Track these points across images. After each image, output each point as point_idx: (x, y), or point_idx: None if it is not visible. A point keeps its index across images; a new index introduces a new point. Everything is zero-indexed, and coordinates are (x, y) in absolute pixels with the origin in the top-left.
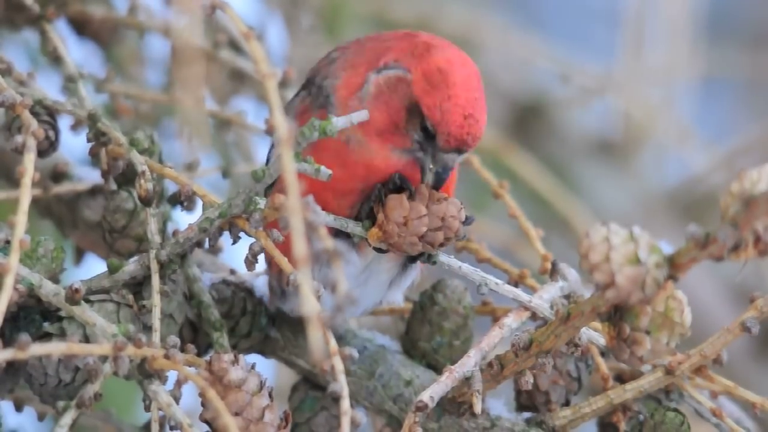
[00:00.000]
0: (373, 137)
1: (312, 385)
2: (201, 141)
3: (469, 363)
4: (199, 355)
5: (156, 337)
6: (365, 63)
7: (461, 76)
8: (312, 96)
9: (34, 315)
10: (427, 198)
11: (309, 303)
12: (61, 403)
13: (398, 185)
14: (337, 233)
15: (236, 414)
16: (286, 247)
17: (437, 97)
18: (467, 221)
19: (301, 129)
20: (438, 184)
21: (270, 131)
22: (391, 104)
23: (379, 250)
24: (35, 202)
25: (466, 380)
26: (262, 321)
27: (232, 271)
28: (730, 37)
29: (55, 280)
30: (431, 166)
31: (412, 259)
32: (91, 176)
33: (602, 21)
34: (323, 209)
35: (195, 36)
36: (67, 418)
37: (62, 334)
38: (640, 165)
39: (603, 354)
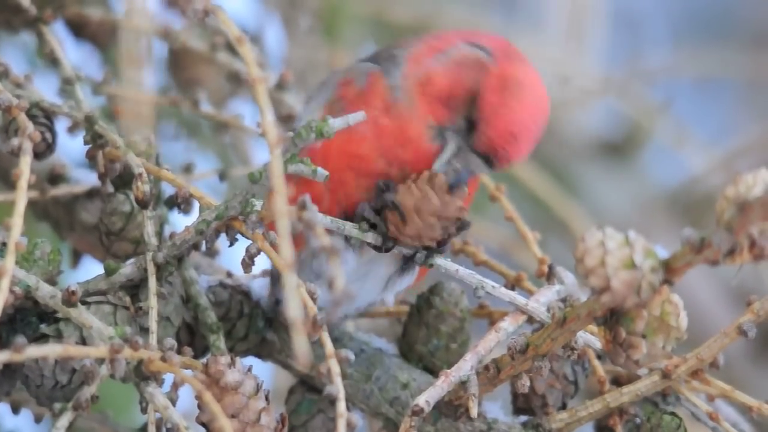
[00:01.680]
0: (424, 100)
1: (309, 388)
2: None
3: (466, 366)
4: (196, 357)
5: (153, 339)
6: (453, 36)
7: (532, 99)
8: (384, 62)
9: (30, 317)
10: (428, 182)
11: (293, 307)
12: (57, 405)
13: (386, 190)
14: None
15: (233, 416)
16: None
17: (499, 98)
18: (463, 226)
19: (297, 130)
20: (455, 183)
21: (263, 135)
22: (461, 77)
23: (377, 249)
24: (32, 205)
25: (463, 383)
26: (259, 323)
27: (229, 274)
28: (729, 38)
29: (52, 282)
30: (454, 163)
31: (408, 260)
32: (88, 179)
33: (602, 21)
34: (340, 190)
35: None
36: (64, 421)
37: (59, 336)
38: (639, 166)
39: (599, 357)
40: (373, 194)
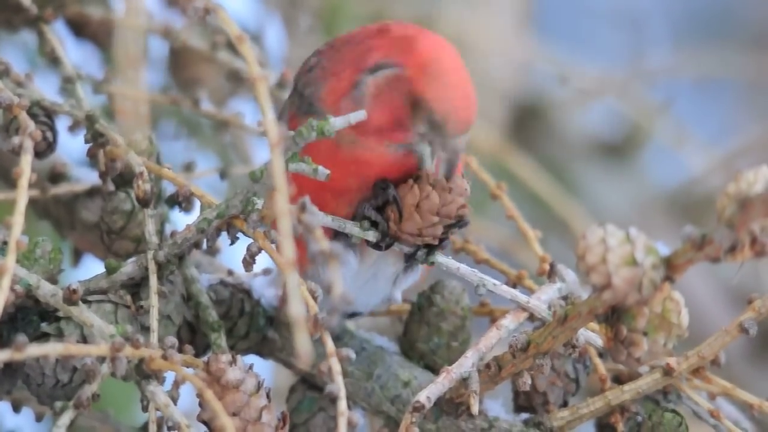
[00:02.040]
0: (368, 136)
1: (310, 386)
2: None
3: (467, 364)
4: (197, 355)
5: (154, 337)
6: (349, 67)
7: (450, 59)
8: (296, 104)
9: (31, 316)
10: (428, 180)
11: (295, 306)
12: (58, 404)
13: (385, 190)
14: (336, 234)
15: (234, 414)
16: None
17: (440, 88)
18: (462, 223)
19: (299, 129)
20: (451, 170)
21: (264, 133)
22: (393, 102)
23: (377, 248)
24: (33, 204)
25: (464, 381)
26: (260, 322)
27: (230, 272)
28: (729, 38)
29: (53, 281)
30: (441, 154)
31: (409, 258)
32: (89, 177)
33: (602, 21)
34: (322, 209)
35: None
36: (65, 419)
37: (60, 335)
38: (639, 166)
39: (601, 355)
40: (371, 194)
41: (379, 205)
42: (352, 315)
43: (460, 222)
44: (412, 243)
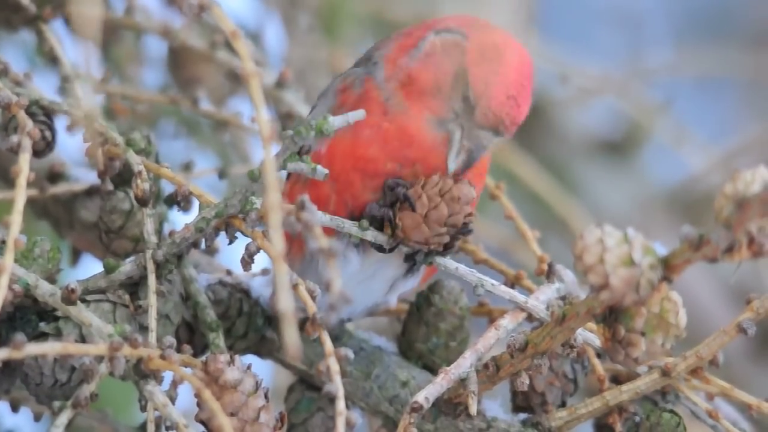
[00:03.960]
0: (414, 99)
1: (308, 386)
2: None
3: (465, 364)
4: (196, 355)
5: (152, 337)
6: (421, 29)
7: (515, 59)
8: (362, 67)
9: (30, 315)
10: (438, 185)
11: (284, 300)
12: (57, 404)
13: (394, 189)
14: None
15: (232, 415)
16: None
17: (487, 69)
18: (467, 231)
19: (297, 129)
20: (469, 162)
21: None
22: (441, 66)
23: (380, 249)
24: (32, 203)
25: (462, 381)
26: (259, 322)
27: (229, 272)
28: (729, 37)
29: (52, 280)
30: (465, 143)
31: (410, 258)
32: (88, 177)
33: (602, 21)
34: (347, 191)
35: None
36: (63, 419)
37: (58, 334)
38: (639, 165)
39: (599, 355)
40: (381, 194)
41: (388, 205)
42: (341, 321)
43: (465, 230)
44: (416, 249)
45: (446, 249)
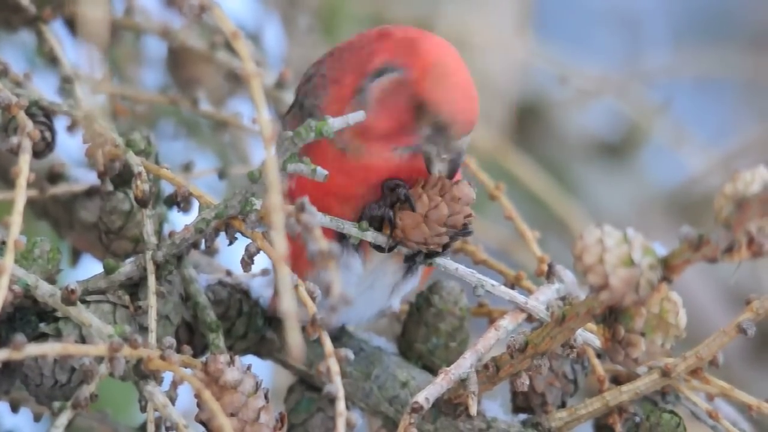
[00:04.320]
0: (373, 142)
1: (308, 387)
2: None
3: (465, 364)
4: (195, 356)
5: (152, 338)
6: (351, 73)
7: (453, 60)
8: (298, 116)
9: (30, 316)
10: (438, 185)
11: (287, 301)
12: (56, 404)
13: (395, 189)
14: (341, 238)
15: (232, 415)
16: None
17: (444, 90)
18: (467, 231)
19: (297, 130)
20: (453, 171)
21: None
22: (398, 106)
23: (379, 249)
24: (31, 204)
25: (462, 382)
26: (259, 322)
27: (229, 273)
28: (728, 38)
29: (52, 281)
30: (444, 156)
31: (410, 259)
32: (88, 177)
33: (601, 22)
34: (329, 213)
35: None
36: (63, 419)
37: (58, 335)
38: (638, 166)
39: (599, 356)
40: (380, 195)
41: (388, 205)
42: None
43: (465, 230)
44: (416, 249)
45: (444, 249)
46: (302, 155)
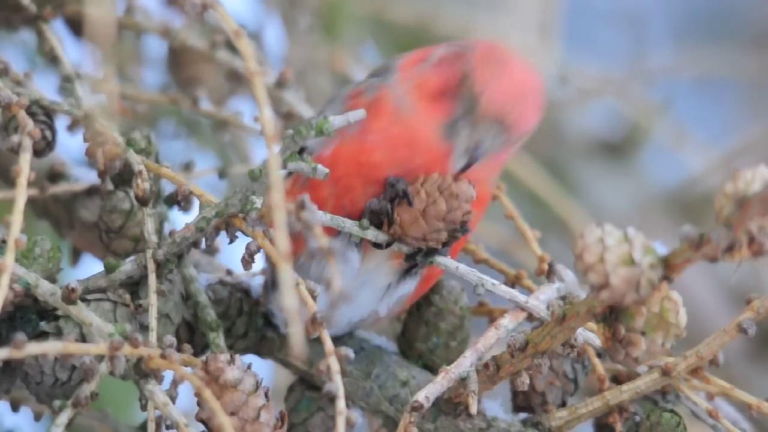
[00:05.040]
0: (423, 100)
1: (308, 386)
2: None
3: (465, 364)
4: (196, 355)
5: (152, 336)
6: (430, 48)
7: (520, 70)
8: (377, 74)
9: (30, 314)
10: (437, 182)
11: (289, 298)
12: (57, 403)
13: (396, 188)
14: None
15: (232, 414)
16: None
17: (491, 70)
18: (465, 229)
19: (297, 128)
20: (471, 161)
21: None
22: (450, 69)
23: (377, 246)
24: (32, 203)
25: (462, 381)
26: (259, 321)
27: (229, 272)
28: (730, 38)
29: (52, 280)
30: (469, 144)
31: (411, 258)
32: (88, 177)
33: (602, 22)
34: (346, 196)
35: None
36: (64, 418)
37: (59, 334)
38: (638, 166)
39: (599, 355)
40: (382, 190)
41: (387, 200)
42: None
43: (463, 228)
44: (415, 246)
45: (444, 247)
46: (358, 106)
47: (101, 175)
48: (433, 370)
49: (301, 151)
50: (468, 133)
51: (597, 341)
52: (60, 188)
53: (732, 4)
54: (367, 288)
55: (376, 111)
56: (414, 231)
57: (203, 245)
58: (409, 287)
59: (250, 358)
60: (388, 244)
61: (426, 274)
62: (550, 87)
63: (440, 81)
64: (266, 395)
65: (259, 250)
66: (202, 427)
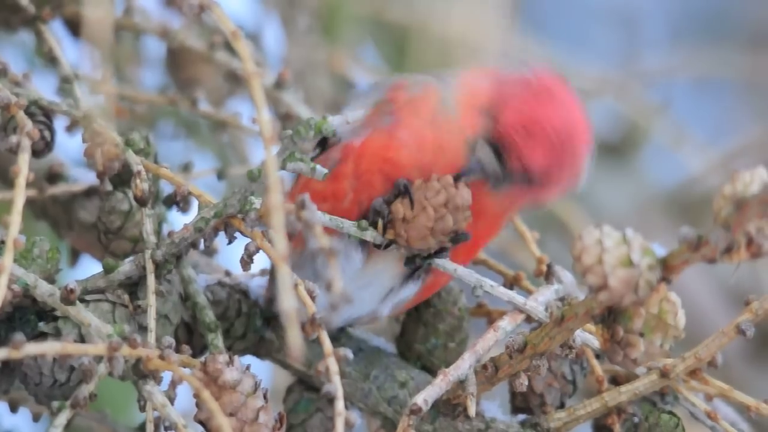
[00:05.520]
0: (467, 111)
1: (307, 387)
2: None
3: (464, 365)
4: (194, 356)
5: (151, 337)
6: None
7: (559, 108)
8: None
9: (29, 315)
10: (424, 195)
11: (287, 300)
12: (55, 404)
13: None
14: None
15: (231, 415)
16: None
17: (522, 99)
18: (463, 237)
19: (296, 128)
20: (467, 173)
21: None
22: (503, 89)
23: (377, 246)
24: (31, 204)
25: (461, 382)
26: (257, 323)
27: (228, 273)
28: (727, 38)
29: (51, 280)
30: (473, 157)
31: (410, 261)
32: (87, 177)
33: (600, 22)
34: (365, 192)
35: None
36: (62, 419)
37: (57, 334)
38: (637, 166)
39: (598, 356)
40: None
41: (391, 200)
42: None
43: (461, 236)
44: (414, 250)
45: (437, 254)
46: (400, 99)
47: (100, 175)
48: (432, 371)
49: (323, 141)
50: (480, 149)
51: (595, 342)
52: (59, 189)
53: (730, 4)
54: (371, 288)
55: (415, 108)
56: (413, 234)
57: (202, 246)
58: (411, 291)
59: (248, 359)
60: (387, 245)
61: (430, 282)
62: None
63: (489, 97)
64: (265, 396)
65: (257, 251)
66: (200, 428)
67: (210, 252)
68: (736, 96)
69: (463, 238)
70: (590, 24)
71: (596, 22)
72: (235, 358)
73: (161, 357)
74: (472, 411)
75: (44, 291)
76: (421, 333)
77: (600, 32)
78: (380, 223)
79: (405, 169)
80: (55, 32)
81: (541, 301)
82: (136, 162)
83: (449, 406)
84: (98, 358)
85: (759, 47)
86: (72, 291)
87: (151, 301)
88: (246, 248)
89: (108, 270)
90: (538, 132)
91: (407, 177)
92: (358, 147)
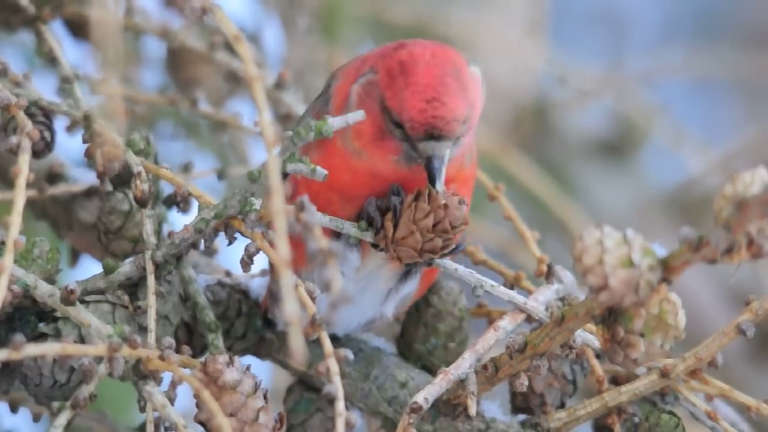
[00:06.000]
0: (369, 147)
1: (307, 387)
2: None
3: (464, 365)
4: (195, 356)
5: (151, 338)
6: (353, 73)
7: (423, 65)
8: (323, 99)
9: (29, 316)
10: (427, 200)
11: (290, 305)
12: (56, 404)
13: (397, 194)
14: (338, 234)
15: (231, 415)
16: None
17: (396, 86)
18: (457, 248)
19: (296, 130)
20: (431, 176)
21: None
22: (370, 109)
23: (377, 247)
24: (31, 204)
25: (461, 382)
26: (258, 323)
27: (228, 273)
28: (727, 39)
29: (51, 281)
30: (419, 160)
31: (409, 263)
32: (87, 178)
33: (599, 23)
34: (327, 209)
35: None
36: (62, 419)
37: (57, 335)
38: (637, 167)
39: (598, 356)
40: (384, 194)
41: (383, 209)
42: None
43: (457, 247)
44: (410, 258)
45: (428, 265)
46: (303, 154)
47: (100, 176)
48: (432, 371)
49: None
50: (424, 154)
51: (596, 343)
52: (59, 189)
53: (729, 4)
54: (370, 289)
55: (330, 154)
56: (402, 253)
57: (202, 246)
58: (411, 287)
59: (248, 359)
60: (383, 249)
61: (427, 272)
62: (546, 88)
63: (369, 125)
64: (265, 397)
65: (257, 252)
66: (200, 428)
67: (210, 252)
68: (736, 97)
69: (461, 248)
70: (590, 25)
71: (596, 22)
72: (236, 358)
73: (161, 357)
74: (472, 411)
75: (44, 291)
76: (421, 333)
77: (600, 33)
78: (372, 228)
79: (354, 188)
80: (56, 32)
81: (541, 301)
82: (137, 162)
83: (449, 406)
84: (98, 359)
85: (758, 48)
86: (72, 292)
87: (151, 302)
88: (246, 249)
89: (108, 270)
90: (443, 93)
91: (359, 193)
92: (302, 179)
